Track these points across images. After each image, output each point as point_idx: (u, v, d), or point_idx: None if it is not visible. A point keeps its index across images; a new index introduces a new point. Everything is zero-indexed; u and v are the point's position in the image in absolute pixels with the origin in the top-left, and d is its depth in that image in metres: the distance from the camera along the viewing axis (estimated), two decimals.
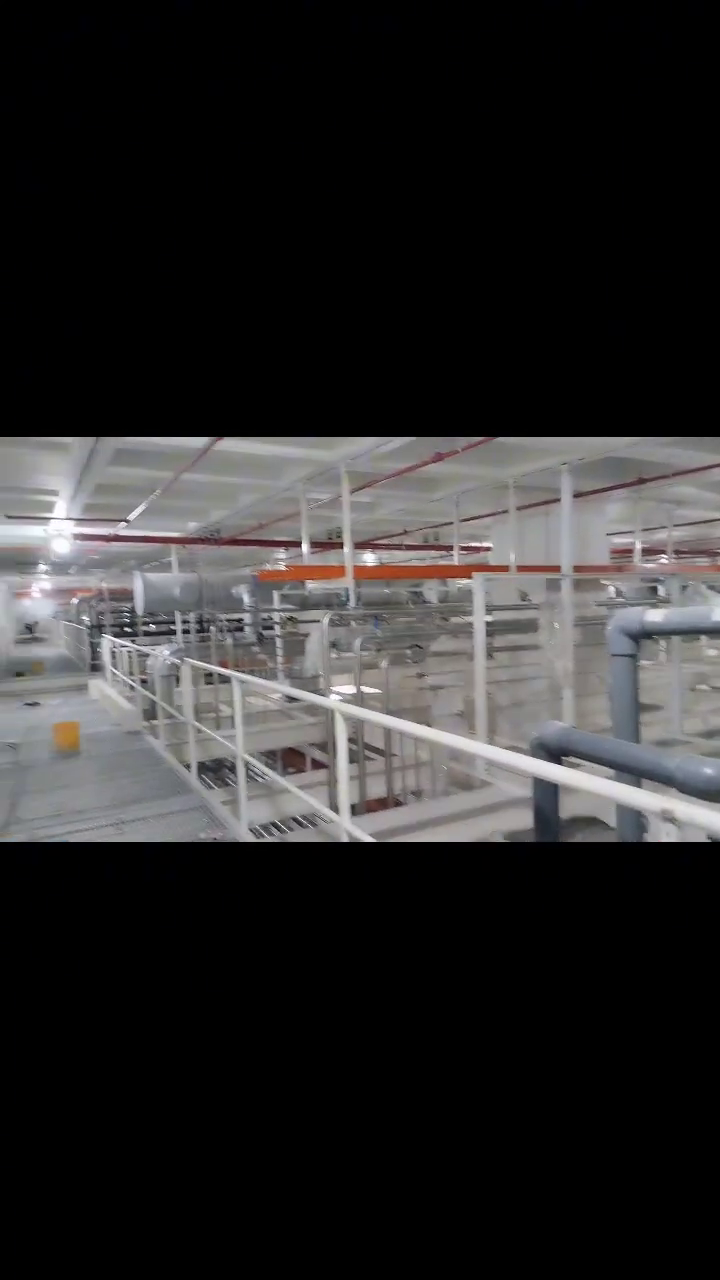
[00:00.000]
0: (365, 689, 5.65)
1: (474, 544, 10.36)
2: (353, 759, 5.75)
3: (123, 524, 7.07)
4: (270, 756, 6.93)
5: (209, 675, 5.30)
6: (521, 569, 6.61)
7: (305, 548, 6.09)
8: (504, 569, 6.77)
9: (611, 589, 7.55)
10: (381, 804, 5.53)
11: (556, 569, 6.16)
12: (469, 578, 7.01)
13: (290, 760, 7.56)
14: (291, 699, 6.23)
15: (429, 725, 5.33)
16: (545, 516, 6.98)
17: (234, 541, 7.92)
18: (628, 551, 9.19)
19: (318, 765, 6.93)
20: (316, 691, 6.60)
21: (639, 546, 8.37)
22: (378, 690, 6.32)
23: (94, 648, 10.65)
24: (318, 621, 6.10)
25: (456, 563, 7.69)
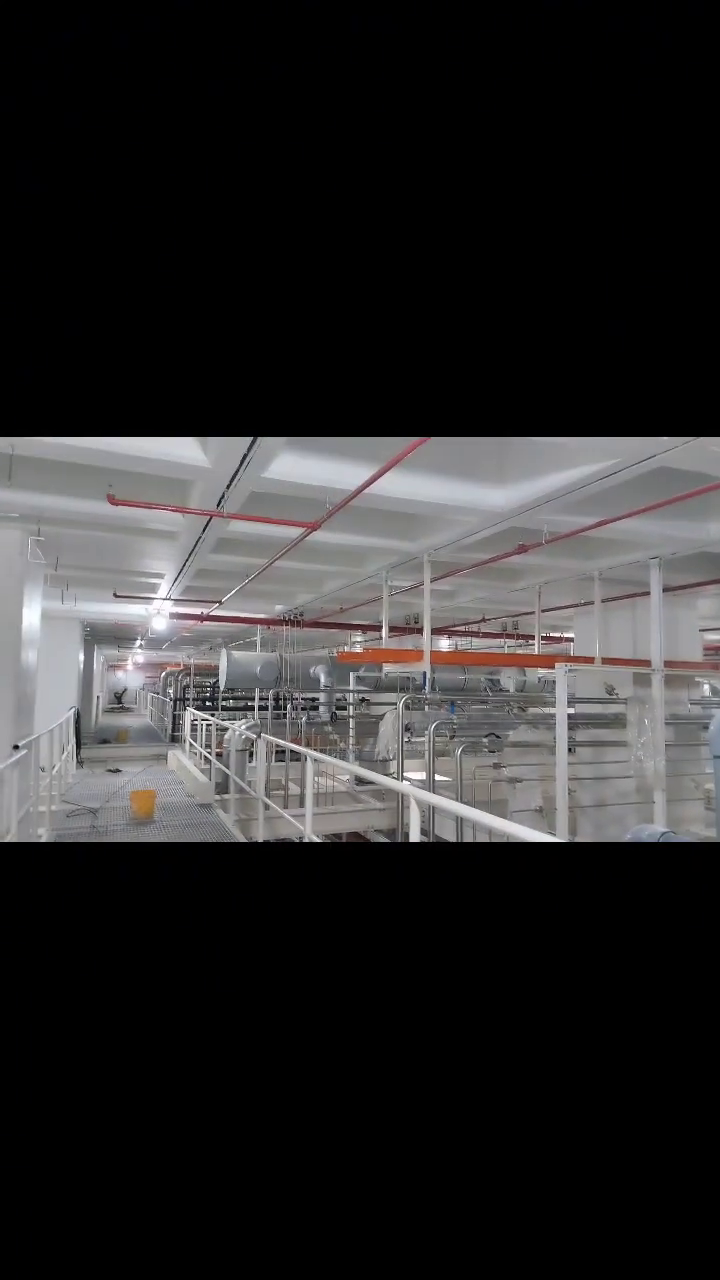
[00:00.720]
0: (437, 777, 5.47)
1: (554, 634, 10.14)
2: None
3: (216, 605, 7.53)
4: (335, 840, 6.76)
5: (280, 752, 5.35)
6: (607, 661, 6.37)
7: (385, 632, 6.18)
8: (589, 660, 6.56)
9: (706, 687, 7.10)
10: None
11: (646, 663, 5.89)
12: (550, 668, 6.82)
13: None
14: (362, 781, 6.10)
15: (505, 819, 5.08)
16: (633, 609, 6.77)
17: (315, 624, 8.20)
18: None
19: None
20: (386, 775, 6.48)
21: None
22: (449, 778, 6.10)
23: (176, 720, 11.04)
24: (392, 705, 6.08)
25: (537, 652, 7.53)
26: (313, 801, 3.64)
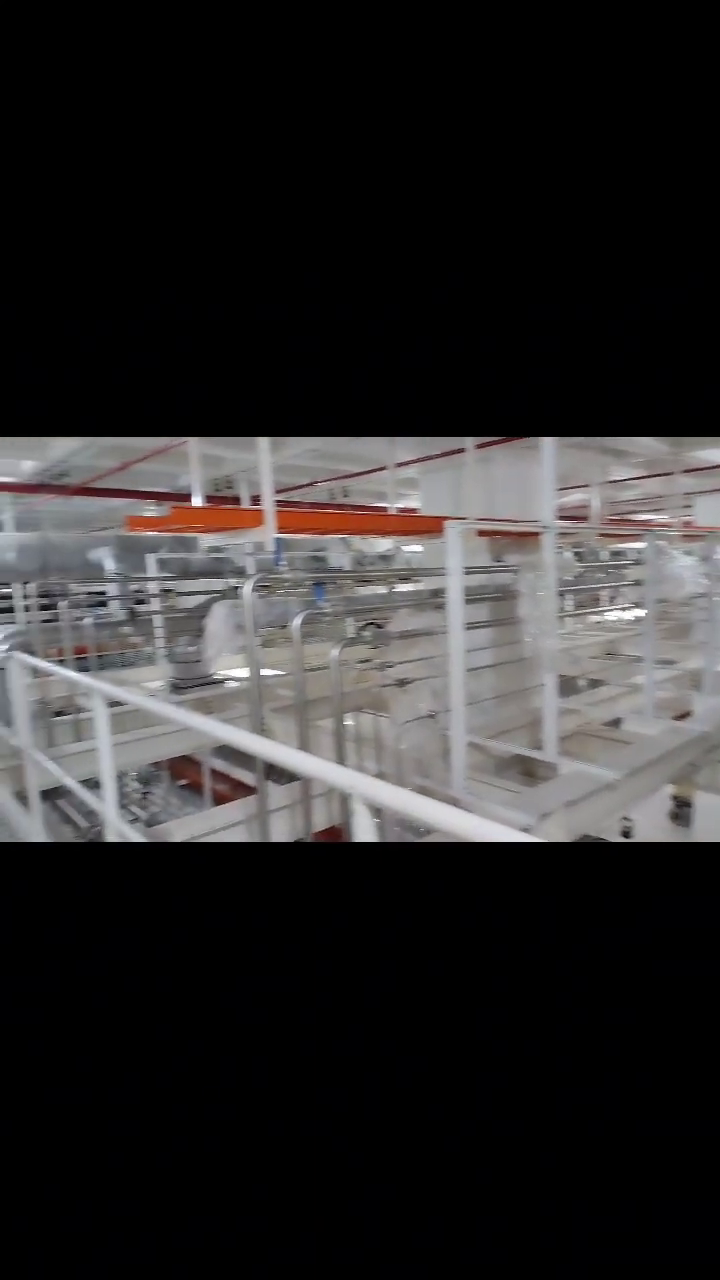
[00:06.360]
0: (266, 672, 4.41)
1: (379, 504, 8.72)
2: (282, 774, 4.62)
3: None
4: (156, 768, 5.82)
5: (63, 664, 4.14)
6: (481, 521, 5.18)
7: (196, 486, 4.74)
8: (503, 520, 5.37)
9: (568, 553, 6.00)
10: (334, 834, 4.22)
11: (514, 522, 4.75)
12: (431, 532, 5.64)
13: (180, 771, 6.27)
14: (180, 688, 4.85)
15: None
16: (487, 465, 5.49)
17: (87, 490, 6.41)
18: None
19: (219, 776, 5.67)
20: (208, 684, 5.23)
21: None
22: (280, 672, 5.00)
23: None
24: (210, 593, 4.86)
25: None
26: (109, 732, 2.58)
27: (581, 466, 8.59)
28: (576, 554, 6.69)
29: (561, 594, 5.58)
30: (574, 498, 11.39)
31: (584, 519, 9.16)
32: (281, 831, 3.87)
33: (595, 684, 6.44)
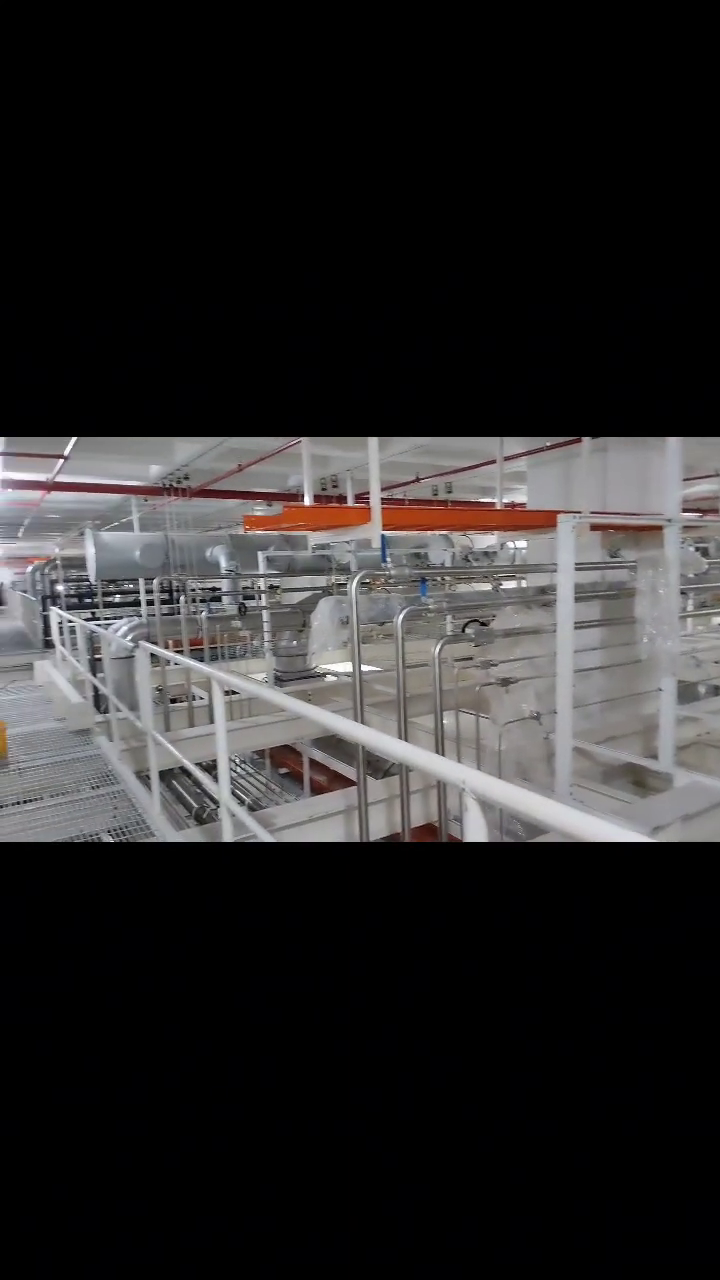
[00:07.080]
0: (366, 667, 4.44)
1: (483, 499, 8.28)
2: (377, 768, 4.68)
3: (60, 461, 5.75)
4: (259, 755, 5.99)
5: (180, 651, 4.42)
6: (596, 514, 4.89)
7: (307, 486, 4.90)
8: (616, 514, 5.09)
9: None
10: (431, 833, 4.16)
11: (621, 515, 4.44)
12: (540, 527, 5.40)
13: (281, 759, 6.45)
14: (282, 680, 4.90)
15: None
16: (604, 458, 5.13)
17: (206, 492, 6.81)
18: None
19: (318, 767, 5.78)
20: (308, 678, 5.26)
21: None
22: (379, 668, 4.99)
23: (46, 621, 9.21)
24: (312, 591, 4.96)
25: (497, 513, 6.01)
26: (225, 720, 2.80)
27: (709, 454, 7.90)
28: (700, 549, 6.17)
29: (683, 592, 5.17)
30: (700, 488, 10.54)
31: (713, 511, 8.43)
32: (379, 824, 3.92)
33: (719, 691, 5.92)
